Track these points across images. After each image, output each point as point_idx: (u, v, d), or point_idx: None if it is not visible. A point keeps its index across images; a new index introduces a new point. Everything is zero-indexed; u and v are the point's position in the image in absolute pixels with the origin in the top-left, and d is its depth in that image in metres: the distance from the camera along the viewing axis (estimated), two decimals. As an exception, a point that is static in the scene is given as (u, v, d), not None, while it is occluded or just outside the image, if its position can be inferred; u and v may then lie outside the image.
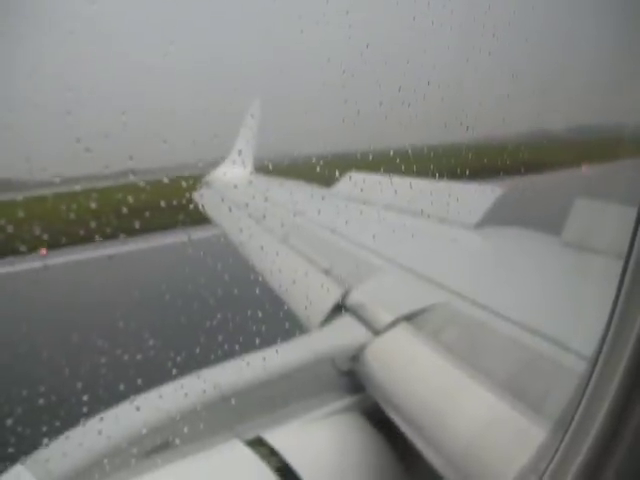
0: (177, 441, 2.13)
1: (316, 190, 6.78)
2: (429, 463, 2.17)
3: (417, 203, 4.70)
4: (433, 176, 4.95)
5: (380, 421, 2.42)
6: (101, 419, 2.13)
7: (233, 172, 9.70)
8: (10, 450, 2.44)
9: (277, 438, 2.23)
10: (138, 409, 2.16)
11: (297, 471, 2.09)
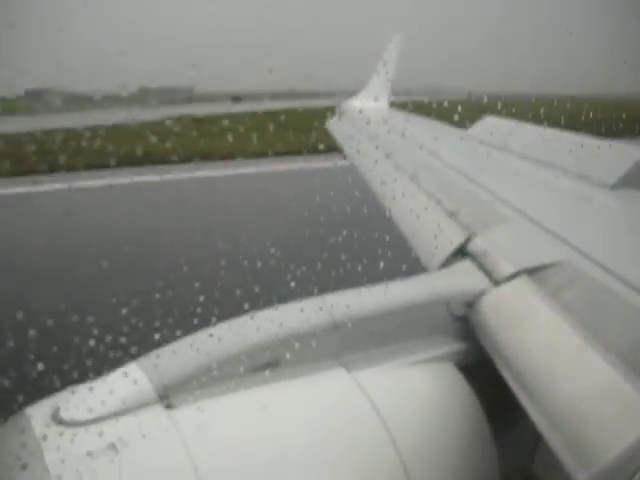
0: (285, 361, 2.21)
1: (451, 130, 6.61)
2: (521, 430, 2.18)
3: (553, 155, 4.48)
4: (575, 129, 4.68)
5: (479, 377, 2.43)
6: (215, 328, 2.26)
7: (368, 104, 9.63)
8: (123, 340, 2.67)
9: (368, 376, 2.28)
10: (253, 323, 2.26)
11: (381, 413, 2.14)
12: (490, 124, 5.95)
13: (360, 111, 9.11)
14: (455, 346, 2.53)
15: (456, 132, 6.51)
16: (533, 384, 2.11)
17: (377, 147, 6.43)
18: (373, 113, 8.92)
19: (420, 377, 2.38)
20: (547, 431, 1.95)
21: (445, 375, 2.41)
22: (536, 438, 2.05)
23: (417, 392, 2.35)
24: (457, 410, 2.32)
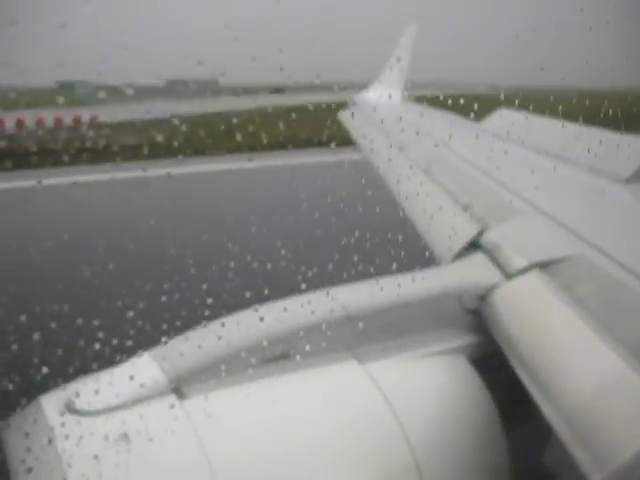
0: (297, 354, 2.22)
1: (464, 123, 6.56)
2: (532, 425, 2.16)
3: (566, 148, 4.44)
4: (588, 122, 4.64)
5: (490, 370, 2.43)
6: (228, 319, 2.27)
7: (380, 96, 9.58)
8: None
9: (380, 368, 2.29)
10: (266, 315, 2.27)
11: (393, 406, 2.15)
12: (504, 117, 5.90)
13: (372, 103, 9.06)
14: (467, 339, 2.53)
15: (469, 124, 6.47)
16: (545, 378, 2.10)
17: (390, 140, 6.40)
18: (386, 105, 8.88)
19: (432, 370, 2.38)
20: (559, 426, 1.94)
21: (457, 368, 2.41)
22: (548, 431, 2.04)
23: (429, 385, 2.36)
24: (469, 403, 2.32)
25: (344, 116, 8.95)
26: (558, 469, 2.32)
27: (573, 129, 4.70)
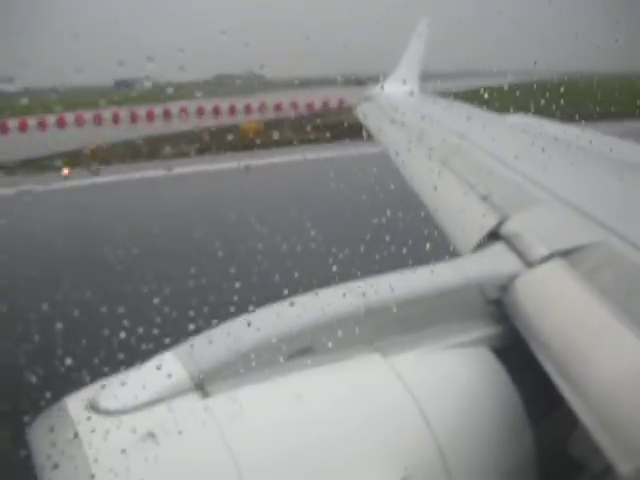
0: (319, 349, 2.23)
1: (481, 113, 6.51)
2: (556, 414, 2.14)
3: (586, 137, 4.40)
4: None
5: (514, 360, 2.41)
6: (248, 316, 2.29)
7: (397, 89, 9.53)
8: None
9: (403, 361, 2.29)
10: (287, 310, 2.29)
11: (417, 398, 2.15)
12: (519, 122, 5.90)
13: (388, 97, 9.02)
14: (489, 329, 2.52)
15: (485, 115, 6.42)
16: (569, 367, 2.08)
17: (407, 132, 6.38)
18: (402, 98, 8.83)
19: (455, 361, 2.37)
20: (585, 415, 1.92)
21: (480, 359, 2.40)
22: (573, 421, 2.03)
23: (452, 376, 2.35)
24: (493, 394, 2.31)
25: (360, 110, 8.93)
26: (584, 459, 2.31)
27: (590, 135, 4.65)
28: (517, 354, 2.38)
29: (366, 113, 8.71)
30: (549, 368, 2.16)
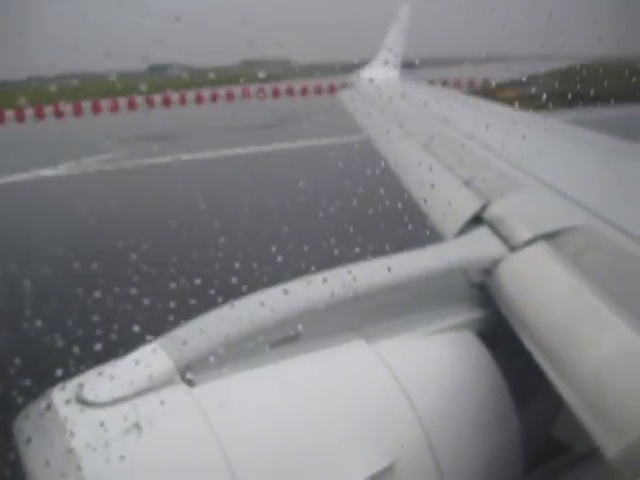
0: (304, 336, 2.20)
1: (464, 98, 6.52)
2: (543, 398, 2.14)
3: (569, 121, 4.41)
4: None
5: (497, 344, 2.41)
6: (233, 304, 2.25)
7: (379, 74, 9.51)
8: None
9: (388, 347, 2.28)
10: (271, 298, 2.25)
11: (403, 383, 2.14)
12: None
13: (371, 81, 8.99)
14: (474, 314, 2.51)
15: (468, 99, 6.42)
16: (554, 349, 2.08)
17: (389, 117, 6.35)
18: (384, 83, 8.81)
19: (440, 346, 2.36)
20: (570, 398, 1.91)
21: (465, 343, 2.39)
22: (558, 404, 2.03)
23: (437, 361, 2.34)
24: (478, 378, 2.31)
25: (343, 96, 8.90)
26: (570, 442, 2.32)
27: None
28: (502, 337, 2.38)
29: (349, 100, 8.67)
30: (534, 351, 2.16)
